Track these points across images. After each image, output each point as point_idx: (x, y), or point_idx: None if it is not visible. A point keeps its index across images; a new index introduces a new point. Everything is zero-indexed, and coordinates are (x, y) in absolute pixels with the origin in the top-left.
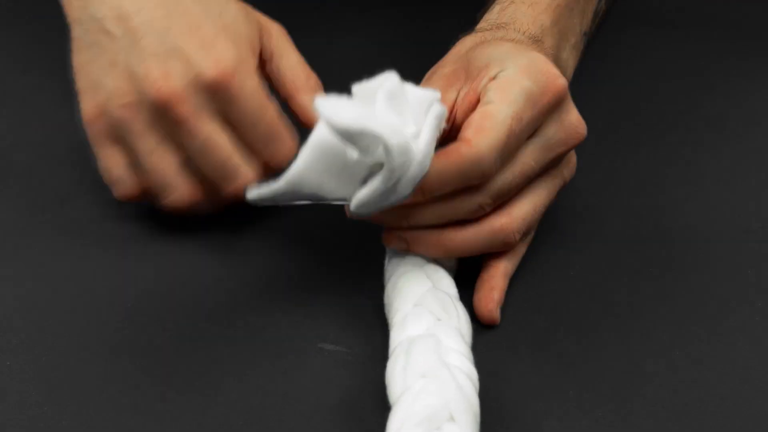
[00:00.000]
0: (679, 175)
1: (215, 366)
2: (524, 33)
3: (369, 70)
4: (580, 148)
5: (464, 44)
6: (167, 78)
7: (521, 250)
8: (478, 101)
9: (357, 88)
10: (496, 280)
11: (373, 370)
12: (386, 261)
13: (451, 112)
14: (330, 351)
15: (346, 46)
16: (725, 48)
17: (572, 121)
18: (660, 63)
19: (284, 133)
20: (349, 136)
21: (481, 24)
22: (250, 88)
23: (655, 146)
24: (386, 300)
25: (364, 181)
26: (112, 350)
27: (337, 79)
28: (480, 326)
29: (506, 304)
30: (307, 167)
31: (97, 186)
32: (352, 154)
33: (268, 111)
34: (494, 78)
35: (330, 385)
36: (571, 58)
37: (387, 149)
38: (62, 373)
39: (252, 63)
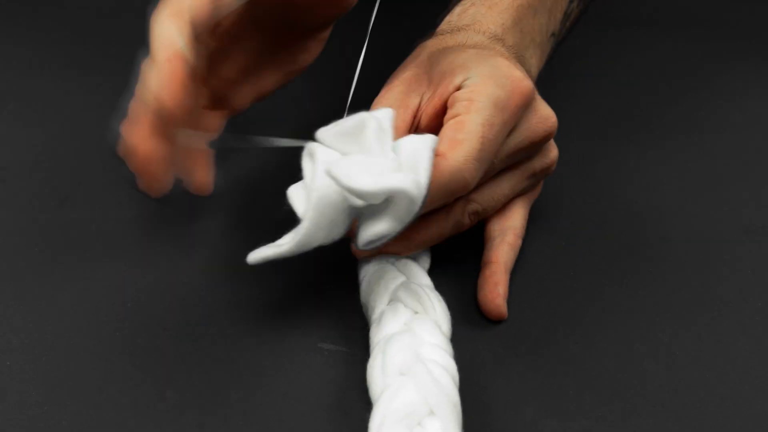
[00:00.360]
0: (679, 175)
1: (215, 366)
2: (485, 33)
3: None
4: (580, 147)
5: (425, 48)
6: None
7: (516, 243)
8: (443, 108)
9: (326, 133)
10: (498, 276)
11: None
12: (359, 262)
13: (414, 117)
14: (330, 351)
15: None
16: (723, 48)
17: (540, 114)
18: (659, 63)
19: None
20: (367, 197)
21: (442, 26)
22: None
23: (654, 146)
24: (362, 300)
25: (353, 215)
26: (112, 350)
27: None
28: (480, 326)
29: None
30: (314, 226)
31: (97, 186)
32: (354, 200)
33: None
34: (460, 87)
35: (330, 385)
36: (535, 57)
37: (410, 199)
38: (62, 373)
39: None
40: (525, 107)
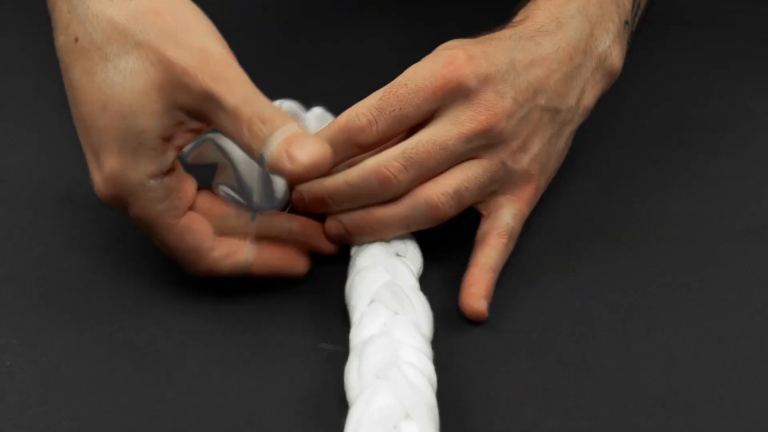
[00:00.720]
0: (679, 175)
1: (215, 366)
2: (535, 27)
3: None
4: (579, 147)
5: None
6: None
7: (497, 243)
8: None
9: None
10: (477, 276)
11: None
12: (350, 260)
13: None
14: (330, 351)
15: (359, 49)
16: (723, 48)
17: (484, 100)
18: (658, 63)
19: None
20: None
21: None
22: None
23: (654, 146)
24: (346, 299)
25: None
26: (112, 350)
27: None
28: (480, 327)
29: (506, 305)
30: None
31: None
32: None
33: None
34: None
35: (330, 385)
36: (615, 46)
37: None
38: (62, 373)
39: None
40: (461, 90)
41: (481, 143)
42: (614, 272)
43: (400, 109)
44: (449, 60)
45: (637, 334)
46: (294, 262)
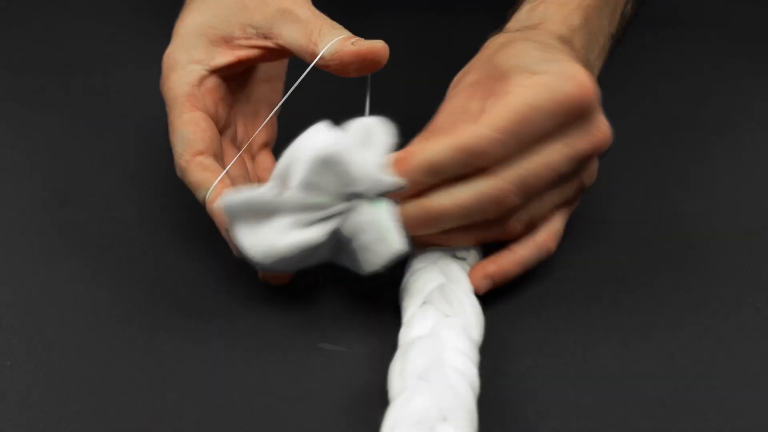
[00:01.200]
0: (679, 175)
1: (215, 366)
2: (553, 34)
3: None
4: None
5: (491, 46)
6: None
7: (543, 243)
8: None
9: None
10: (499, 259)
11: (372, 369)
12: (408, 258)
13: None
14: (330, 351)
15: None
16: (724, 48)
17: (598, 124)
18: (658, 62)
19: None
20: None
21: (511, 23)
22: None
23: (654, 147)
24: (399, 299)
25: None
26: (112, 350)
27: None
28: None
29: (506, 305)
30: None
31: (97, 186)
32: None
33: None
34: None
35: (330, 385)
36: (598, 60)
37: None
38: (62, 373)
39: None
40: (584, 110)
41: (583, 165)
42: (614, 272)
43: (531, 134)
44: (579, 81)
45: (637, 334)
46: None
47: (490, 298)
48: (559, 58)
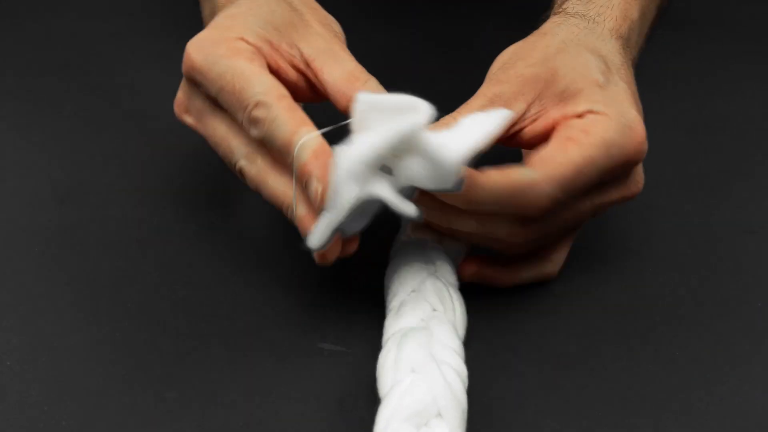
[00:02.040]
0: (679, 175)
1: (215, 366)
2: (614, 33)
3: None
4: None
5: (553, 38)
6: None
7: (536, 274)
8: (553, 129)
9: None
10: (498, 269)
11: (372, 369)
12: (393, 243)
13: (516, 122)
14: (330, 351)
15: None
16: (724, 48)
17: (637, 178)
18: (658, 62)
19: None
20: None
21: (570, 3)
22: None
23: (653, 146)
24: (386, 282)
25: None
26: (112, 350)
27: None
28: (480, 326)
29: (506, 304)
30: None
31: (97, 186)
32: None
33: None
34: (581, 116)
35: (330, 385)
36: (640, 51)
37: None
38: (62, 373)
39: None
40: (632, 164)
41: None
42: (613, 272)
43: (580, 189)
44: (636, 135)
45: (637, 334)
46: None
47: (479, 295)
48: (620, 97)
